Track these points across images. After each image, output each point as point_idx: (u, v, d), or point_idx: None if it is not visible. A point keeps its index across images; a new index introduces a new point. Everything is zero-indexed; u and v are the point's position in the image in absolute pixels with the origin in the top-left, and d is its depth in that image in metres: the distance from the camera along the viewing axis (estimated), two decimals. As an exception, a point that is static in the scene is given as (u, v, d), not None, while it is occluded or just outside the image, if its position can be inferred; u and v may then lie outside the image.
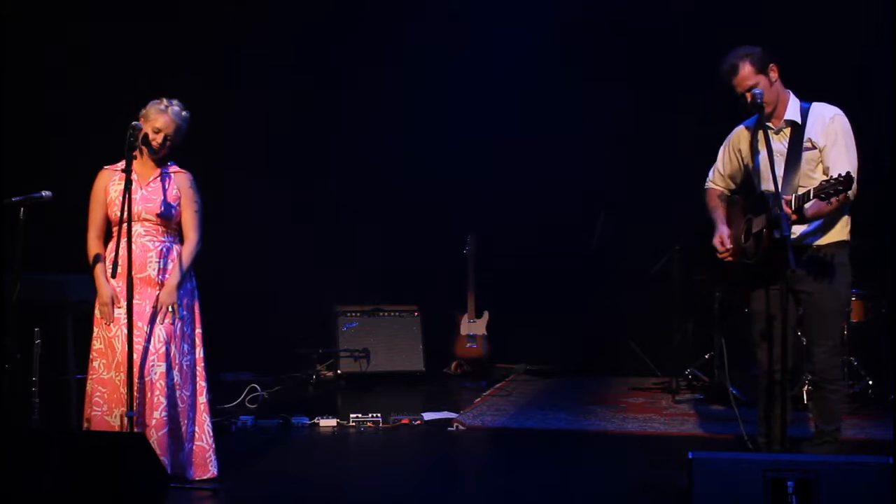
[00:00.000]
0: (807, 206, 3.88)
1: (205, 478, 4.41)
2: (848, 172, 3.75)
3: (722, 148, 4.43)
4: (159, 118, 4.35)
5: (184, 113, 4.43)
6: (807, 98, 4.18)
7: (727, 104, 4.52)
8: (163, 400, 4.28)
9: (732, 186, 4.43)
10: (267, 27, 8.03)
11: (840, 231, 4.13)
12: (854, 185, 3.99)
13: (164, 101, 4.39)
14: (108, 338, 4.32)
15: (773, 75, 4.10)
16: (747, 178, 4.34)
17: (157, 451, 4.21)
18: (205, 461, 4.44)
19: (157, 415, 4.27)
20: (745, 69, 4.06)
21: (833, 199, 3.79)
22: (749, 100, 4.07)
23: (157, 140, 4.35)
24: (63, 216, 4.69)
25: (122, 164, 4.39)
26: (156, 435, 4.25)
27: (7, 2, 6.82)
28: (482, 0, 7.95)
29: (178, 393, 4.35)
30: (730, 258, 4.24)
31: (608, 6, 7.74)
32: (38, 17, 7.09)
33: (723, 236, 4.26)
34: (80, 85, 7.16)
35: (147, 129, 4.35)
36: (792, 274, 3.75)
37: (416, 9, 7.98)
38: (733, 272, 4.33)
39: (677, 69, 7.48)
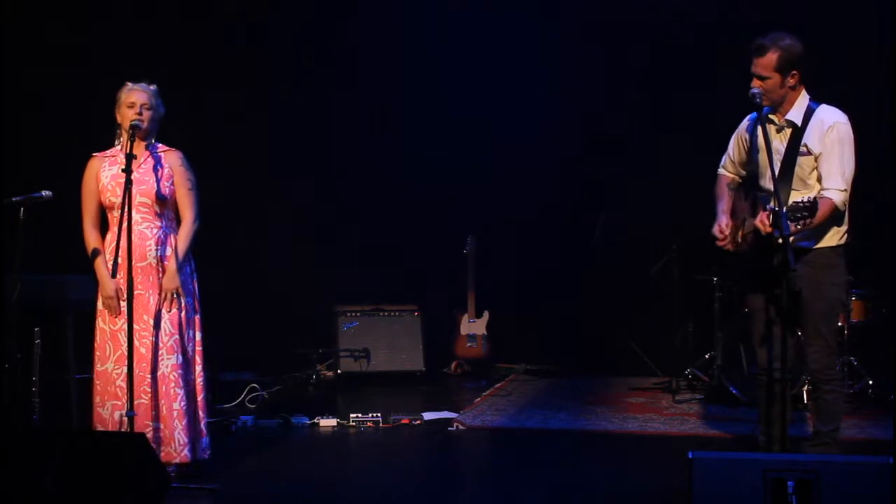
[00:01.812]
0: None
1: (199, 459, 4.45)
2: (813, 199, 3.75)
3: (733, 135, 4.38)
4: (131, 94, 4.39)
5: (152, 86, 4.46)
6: (812, 95, 4.13)
7: (728, 104, 4.53)
8: (179, 391, 4.32)
9: (743, 173, 4.36)
10: (267, 27, 8.03)
11: (832, 237, 4.11)
12: (845, 196, 4.00)
13: (129, 83, 4.44)
14: (112, 330, 4.33)
15: (791, 81, 4.02)
16: (752, 171, 4.30)
17: (183, 440, 4.30)
18: (197, 441, 4.48)
19: (176, 406, 4.31)
20: (770, 59, 3.97)
21: (808, 221, 3.76)
22: (751, 88, 4.03)
23: (134, 110, 4.34)
24: (63, 216, 4.69)
25: (111, 150, 4.48)
26: (179, 425, 4.30)
27: (7, 2, 6.82)
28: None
29: (185, 378, 4.39)
30: (729, 247, 4.20)
31: (609, 5, 7.74)
32: (38, 16, 7.10)
33: (721, 224, 4.21)
34: (80, 84, 7.15)
35: (124, 108, 4.37)
36: (792, 273, 3.74)
37: (415, 8, 7.98)
38: (734, 269, 4.32)
39: (679, 69, 7.49)
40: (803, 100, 4.09)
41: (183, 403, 4.33)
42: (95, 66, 7.13)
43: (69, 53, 7.25)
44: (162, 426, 4.31)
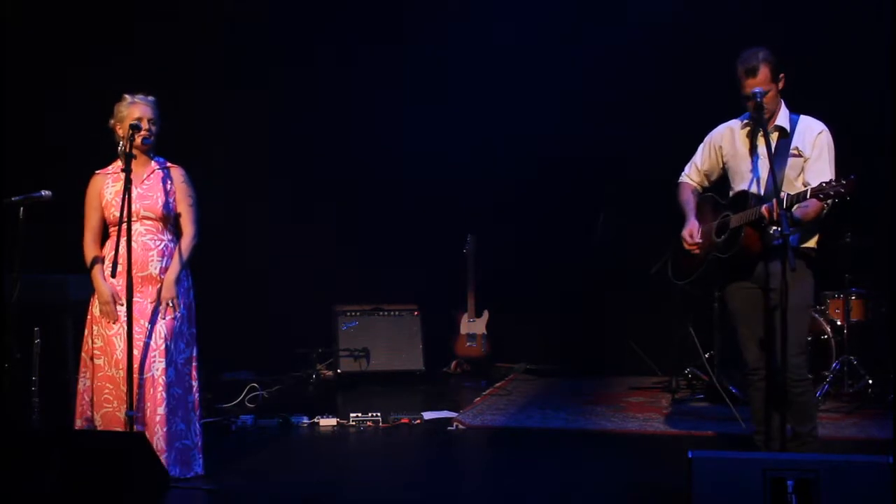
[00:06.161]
0: (800, 204, 3.89)
1: (188, 476, 4.40)
2: (852, 177, 3.79)
3: (702, 144, 4.47)
4: (134, 109, 4.37)
5: (150, 97, 4.44)
6: (800, 104, 4.23)
7: (724, 106, 4.53)
8: (164, 396, 4.32)
9: (706, 184, 4.48)
10: (267, 27, 8.02)
11: (815, 239, 4.20)
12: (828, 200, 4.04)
13: (128, 96, 4.41)
14: (108, 336, 4.33)
15: (782, 85, 4.13)
16: (723, 177, 4.40)
17: (162, 446, 4.27)
18: (188, 459, 4.44)
19: (161, 410, 4.30)
20: (764, 74, 4.06)
21: (823, 203, 3.87)
22: (751, 97, 4.06)
23: (144, 127, 4.35)
24: (63, 216, 4.69)
25: (112, 167, 4.47)
26: (161, 431, 4.29)
27: (8, 4, 6.82)
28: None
29: (170, 390, 4.38)
30: (696, 251, 4.30)
31: (611, 6, 7.74)
32: (38, 20, 7.10)
33: (692, 230, 4.32)
34: (79, 84, 7.16)
35: (127, 123, 4.33)
36: (792, 273, 3.75)
37: (414, 7, 7.98)
38: (705, 267, 4.34)
39: (676, 69, 7.48)
40: (786, 110, 4.21)
41: (165, 410, 4.31)
42: (95, 67, 7.14)
43: (69, 54, 7.25)
44: (146, 428, 4.30)
